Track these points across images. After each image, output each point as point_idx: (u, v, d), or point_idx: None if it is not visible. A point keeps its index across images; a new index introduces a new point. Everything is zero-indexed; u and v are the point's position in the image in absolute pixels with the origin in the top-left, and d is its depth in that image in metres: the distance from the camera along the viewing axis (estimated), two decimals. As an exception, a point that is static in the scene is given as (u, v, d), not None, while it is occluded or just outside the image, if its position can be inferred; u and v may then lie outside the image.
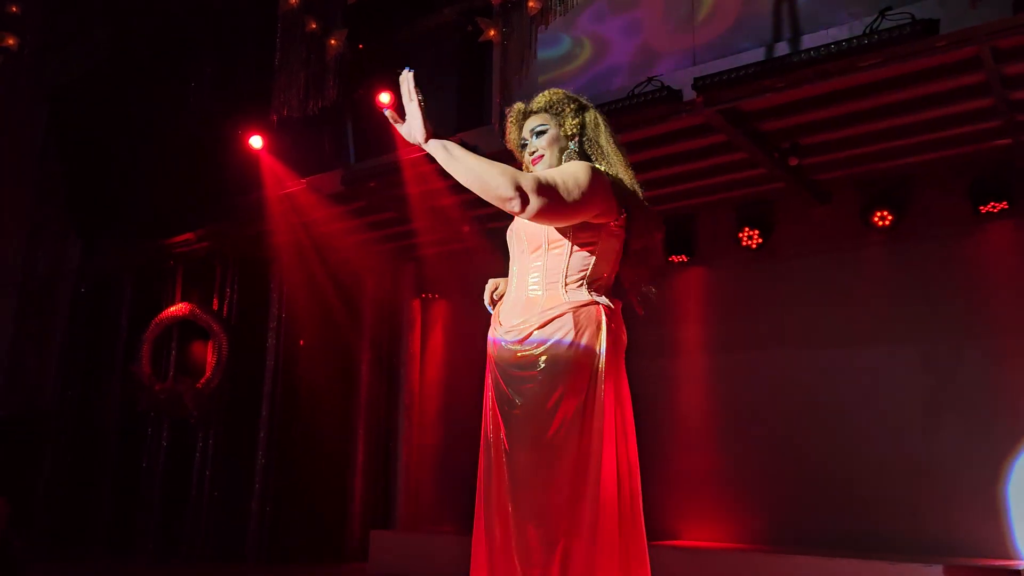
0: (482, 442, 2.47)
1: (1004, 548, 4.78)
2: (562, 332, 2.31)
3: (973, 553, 4.81)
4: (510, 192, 2.17)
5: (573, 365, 2.30)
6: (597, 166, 2.44)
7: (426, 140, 2.28)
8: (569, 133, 2.52)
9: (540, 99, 2.57)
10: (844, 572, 4.45)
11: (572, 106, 2.54)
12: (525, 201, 2.19)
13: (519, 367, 2.35)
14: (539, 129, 2.53)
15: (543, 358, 2.31)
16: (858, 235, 5.46)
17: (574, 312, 2.34)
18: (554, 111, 2.54)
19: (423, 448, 7.03)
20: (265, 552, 6.65)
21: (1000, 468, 4.88)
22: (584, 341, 2.32)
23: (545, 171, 2.34)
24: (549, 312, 2.34)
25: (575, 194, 2.27)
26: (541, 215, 2.24)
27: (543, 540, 2.26)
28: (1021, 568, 4.40)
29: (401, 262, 7.33)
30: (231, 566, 6.50)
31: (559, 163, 2.49)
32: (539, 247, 2.42)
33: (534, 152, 2.52)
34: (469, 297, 2.70)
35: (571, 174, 2.30)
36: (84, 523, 7.48)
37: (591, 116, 2.57)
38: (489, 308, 2.54)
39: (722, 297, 6.01)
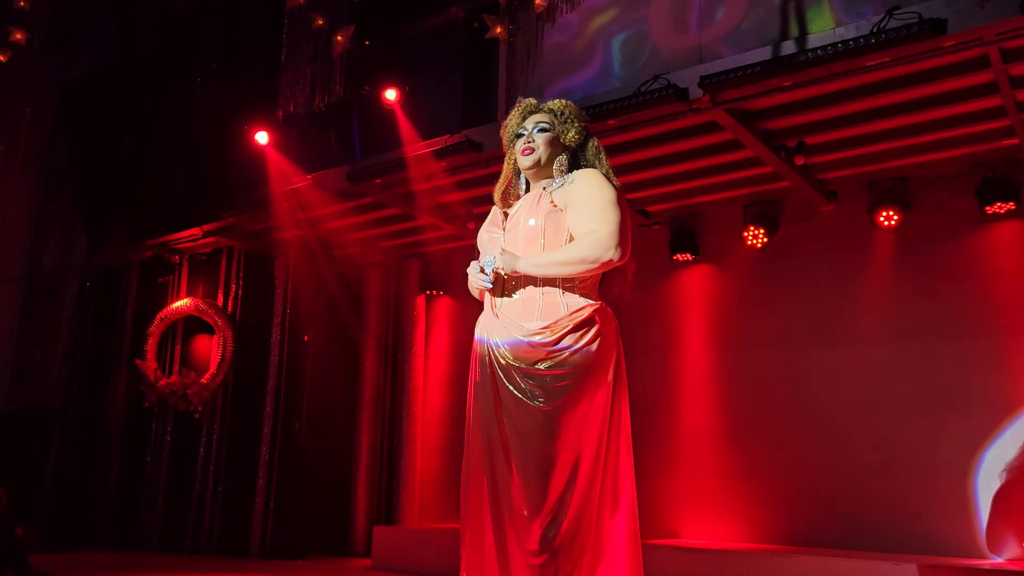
0: (476, 439, 2.48)
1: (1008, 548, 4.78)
2: (592, 333, 2.43)
3: (976, 554, 4.80)
4: (607, 254, 2.39)
5: (601, 362, 2.44)
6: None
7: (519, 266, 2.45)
8: (567, 144, 2.64)
9: (554, 103, 2.68)
10: (849, 571, 4.44)
11: (580, 123, 2.66)
12: (617, 253, 2.40)
13: (548, 366, 2.41)
14: (542, 126, 2.63)
15: (575, 358, 2.40)
16: (864, 234, 5.45)
17: (599, 314, 2.47)
18: (562, 118, 2.64)
19: (427, 444, 7.04)
20: (268, 547, 6.66)
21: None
22: (608, 340, 2.47)
23: (601, 214, 2.43)
24: (578, 315, 2.44)
25: (622, 208, 2.46)
26: (629, 252, 2.46)
27: (565, 540, 2.33)
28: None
29: (406, 258, 7.34)
30: (235, 560, 6.52)
31: (550, 164, 2.61)
32: (559, 248, 2.49)
33: (530, 142, 2.62)
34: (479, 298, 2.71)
35: (610, 202, 2.45)
36: (88, 516, 7.51)
37: (594, 143, 2.70)
38: (488, 283, 2.53)
39: (727, 295, 6.00)
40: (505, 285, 2.54)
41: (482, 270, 2.54)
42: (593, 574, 2.36)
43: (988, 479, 4.89)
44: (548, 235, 2.49)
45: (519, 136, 2.66)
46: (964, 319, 5.11)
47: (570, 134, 2.63)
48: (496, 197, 2.78)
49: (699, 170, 5.41)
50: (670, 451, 5.89)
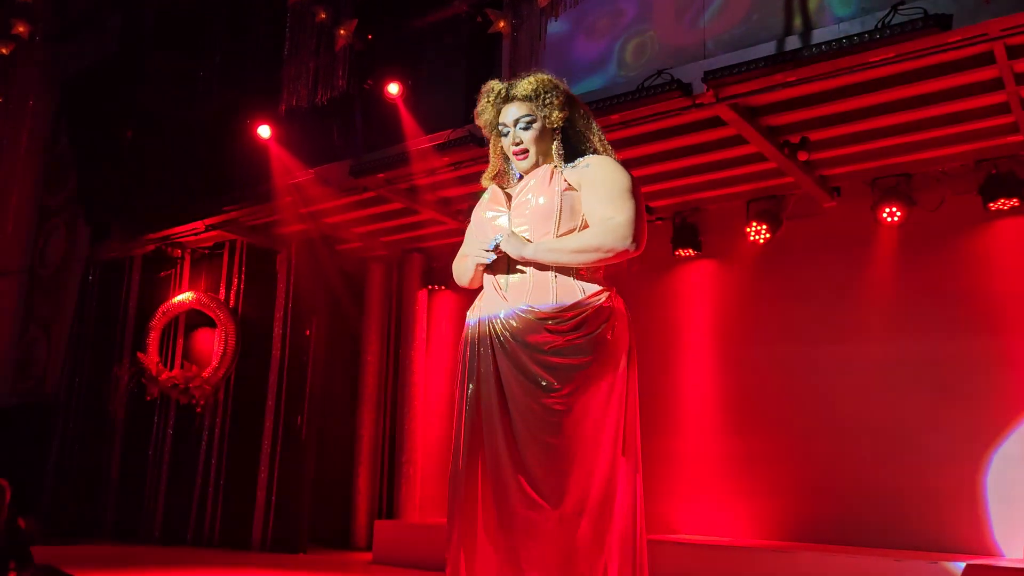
0: (474, 431, 2.36)
1: (1011, 545, 4.78)
2: (609, 318, 2.35)
3: (978, 550, 4.80)
4: (623, 244, 2.32)
5: (617, 349, 2.36)
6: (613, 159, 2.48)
7: (527, 252, 2.38)
8: (555, 126, 2.48)
9: (526, 86, 2.48)
10: (851, 567, 4.44)
11: (560, 98, 2.48)
12: (634, 244, 2.33)
13: (564, 352, 2.30)
14: (525, 120, 2.47)
15: (592, 344, 2.31)
16: (867, 231, 5.44)
17: (614, 298, 2.40)
18: (542, 102, 2.46)
19: (428, 438, 7.04)
20: (270, 540, 6.68)
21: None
22: (623, 326, 2.40)
23: (618, 202, 2.35)
24: (595, 300, 2.35)
25: (638, 197, 2.38)
26: (645, 244, 2.38)
27: (583, 528, 2.26)
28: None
29: (408, 253, 7.33)
30: (236, 553, 6.53)
31: (546, 157, 2.49)
32: (572, 230, 2.40)
33: (519, 144, 2.48)
34: (476, 289, 2.65)
35: (627, 190, 2.37)
36: (91, 509, 7.53)
37: (580, 111, 2.54)
38: (487, 259, 2.44)
39: (729, 291, 6.00)
40: (508, 267, 2.43)
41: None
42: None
43: (995, 474, 4.88)
44: (564, 215, 2.37)
45: (503, 133, 2.51)
46: (967, 315, 5.10)
47: (554, 115, 2.45)
48: (485, 183, 2.64)
49: (702, 165, 5.40)
50: (672, 446, 5.89)
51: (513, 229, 2.45)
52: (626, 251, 2.32)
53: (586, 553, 2.25)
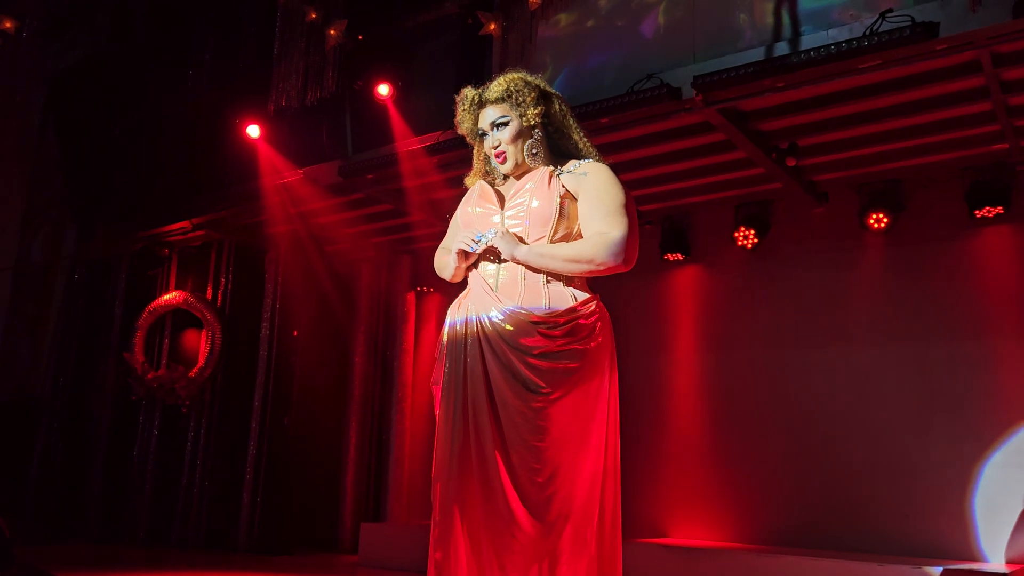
0: (460, 430, 2.35)
1: (996, 551, 4.80)
2: (597, 326, 2.37)
3: (963, 555, 4.82)
4: (614, 260, 2.33)
5: (603, 356, 2.38)
6: (603, 163, 2.48)
7: (520, 253, 2.39)
8: (532, 123, 2.47)
9: (497, 87, 2.48)
10: (835, 572, 4.45)
11: (533, 94, 2.46)
12: (626, 264, 2.36)
13: (556, 356, 2.30)
14: (500, 121, 2.47)
15: (582, 350, 2.32)
16: (854, 237, 5.47)
17: (599, 304, 2.42)
18: (514, 101, 2.45)
19: (415, 441, 7.03)
20: (255, 542, 6.64)
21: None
22: (607, 334, 2.42)
23: (613, 217, 2.35)
24: (587, 307, 2.36)
25: (632, 214, 2.39)
26: (635, 262, 2.40)
27: (566, 534, 2.27)
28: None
29: (397, 254, 7.32)
30: (222, 555, 6.50)
31: (524, 157, 2.48)
32: (566, 236, 2.42)
33: (497, 147, 2.47)
34: (459, 286, 2.64)
35: (619, 201, 2.37)
36: (75, 509, 7.47)
37: (557, 106, 2.52)
38: (474, 247, 2.45)
39: (717, 296, 6.02)
40: (498, 266, 2.43)
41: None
42: None
43: (980, 480, 4.90)
44: (560, 221, 2.39)
45: (483, 136, 2.52)
46: (953, 321, 5.13)
47: (530, 113, 2.44)
48: (469, 184, 2.65)
49: (691, 170, 5.41)
50: (659, 451, 5.90)
51: (507, 228, 2.44)
52: (618, 267, 2.35)
53: (568, 558, 2.26)
